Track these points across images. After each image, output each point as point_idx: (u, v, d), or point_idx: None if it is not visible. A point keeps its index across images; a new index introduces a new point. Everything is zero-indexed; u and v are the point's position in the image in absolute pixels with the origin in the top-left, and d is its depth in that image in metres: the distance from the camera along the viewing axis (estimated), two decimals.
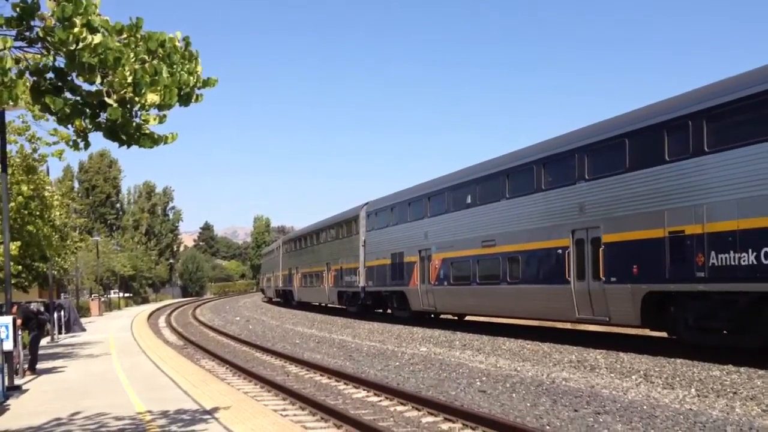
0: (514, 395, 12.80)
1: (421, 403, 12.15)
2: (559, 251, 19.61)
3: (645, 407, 11.13)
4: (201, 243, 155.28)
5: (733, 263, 14.23)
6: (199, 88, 6.79)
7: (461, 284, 25.39)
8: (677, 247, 15.64)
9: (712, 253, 14.69)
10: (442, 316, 30.82)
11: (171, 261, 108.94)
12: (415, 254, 29.10)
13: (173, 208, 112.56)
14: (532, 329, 24.10)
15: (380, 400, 13.10)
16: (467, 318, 29.89)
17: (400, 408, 12.27)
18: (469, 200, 25.06)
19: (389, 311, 34.25)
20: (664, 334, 18.25)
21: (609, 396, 12.17)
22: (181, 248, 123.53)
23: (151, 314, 51.77)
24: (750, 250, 13.83)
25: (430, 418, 11.26)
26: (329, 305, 43.56)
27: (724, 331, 15.28)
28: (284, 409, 12.64)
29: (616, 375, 14.25)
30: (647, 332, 20.31)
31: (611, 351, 17.33)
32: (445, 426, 10.69)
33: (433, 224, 27.84)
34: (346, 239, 38.59)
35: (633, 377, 13.86)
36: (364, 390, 14.19)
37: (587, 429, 9.96)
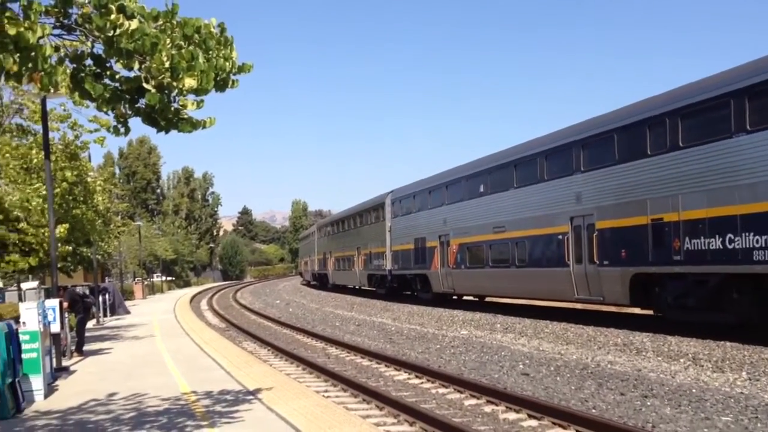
0: (558, 378, 12.64)
1: (463, 385, 12.07)
2: (560, 237, 21.31)
3: (694, 391, 10.90)
4: (240, 227, 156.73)
5: (703, 247, 15.91)
6: (234, 74, 6.78)
7: (476, 267, 27.18)
8: (658, 233, 17.30)
9: (687, 239, 16.39)
10: (464, 297, 32.04)
11: (211, 245, 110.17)
12: (436, 239, 30.75)
13: (212, 193, 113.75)
14: (576, 313, 23.81)
15: (422, 383, 13.05)
16: (494, 300, 30.67)
17: (442, 390, 12.20)
18: (482, 189, 26.82)
19: (414, 293, 35.60)
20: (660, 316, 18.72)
21: (656, 379, 11.94)
22: (221, 232, 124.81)
23: (193, 297, 52.48)
24: (717, 236, 15.54)
25: (473, 401, 11.17)
26: (360, 287, 45.09)
27: (701, 309, 16.55)
28: (326, 391, 12.67)
29: (664, 358, 13.99)
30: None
31: (658, 334, 17.03)
32: (488, 408, 10.59)
33: (451, 211, 29.55)
34: (373, 225, 40.56)
35: (681, 360, 13.60)
36: (405, 372, 14.15)
37: (634, 412, 9.78)
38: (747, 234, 14.78)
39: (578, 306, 23.02)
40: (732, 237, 15.16)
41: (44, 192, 16.93)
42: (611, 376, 12.47)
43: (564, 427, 9.11)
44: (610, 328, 18.77)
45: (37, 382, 11.46)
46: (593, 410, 10.00)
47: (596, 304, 21.80)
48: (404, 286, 36.74)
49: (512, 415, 10.03)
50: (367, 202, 44.10)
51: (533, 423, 9.54)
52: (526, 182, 23.54)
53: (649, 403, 10.27)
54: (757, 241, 14.51)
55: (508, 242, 24.47)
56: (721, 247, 15.42)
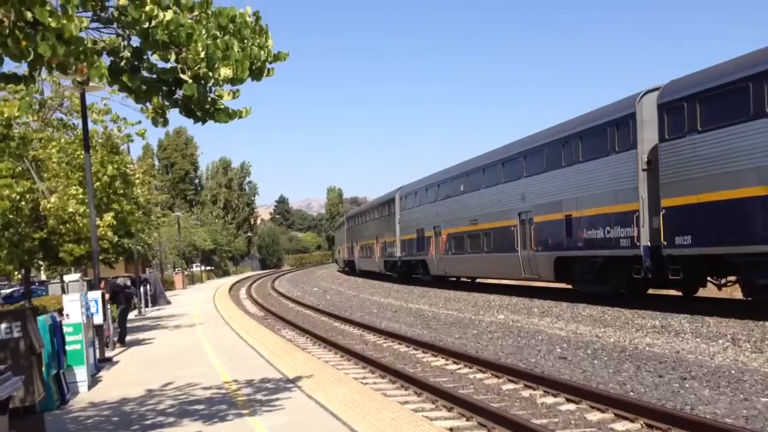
0: (595, 362, 12.62)
1: (500, 370, 12.11)
2: (512, 229, 26.66)
3: (733, 371, 10.81)
4: (277, 216, 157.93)
5: (593, 237, 21.25)
6: (270, 62, 6.82)
7: (459, 253, 32.66)
8: (569, 226, 22.63)
9: (583, 231, 21.78)
10: (461, 279, 36.94)
11: (249, 234, 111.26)
12: (431, 230, 36.13)
13: (249, 182, 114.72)
14: (613, 296, 23.62)
15: (459, 368, 13.11)
16: (489, 282, 34.97)
17: (479, 375, 12.25)
18: (462, 188, 32.50)
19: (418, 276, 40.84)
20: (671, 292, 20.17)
21: (695, 361, 11.86)
22: (258, 221, 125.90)
23: (232, 286, 53.12)
24: (600, 228, 20.85)
25: (511, 386, 11.21)
26: (379, 272, 49.00)
27: (594, 283, 22.27)
28: (364, 377, 12.80)
29: (702, 339, 13.86)
30: (733, 295, 19.91)
31: (696, 315, 16.86)
32: (525, 393, 10.63)
33: (443, 206, 34.95)
34: (387, 217, 45.95)
35: (720, 341, 13.46)
36: (442, 358, 14.23)
37: (673, 394, 9.74)
38: (614, 227, 20.11)
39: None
40: (609, 229, 20.39)
41: (81, 196, 17.32)
42: (649, 358, 12.41)
43: (602, 411, 9.11)
44: (648, 310, 18.62)
45: (81, 374, 11.72)
46: (631, 393, 9.98)
47: (534, 282, 27.52)
48: (411, 270, 41.49)
49: (550, 399, 10.06)
50: (382, 197, 50.57)
51: (571, 407, 9.56)
52: (491, 184, 29.20)
53: (687, 385, 10.22)
54: (621, 233, 19.77)
55: (480, 233, 29.89)
56: (603, 236, 20.75)
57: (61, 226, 17.78)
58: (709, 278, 18.80)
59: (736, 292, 19.51)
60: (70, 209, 17.16)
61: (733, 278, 18.10)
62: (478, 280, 35.80)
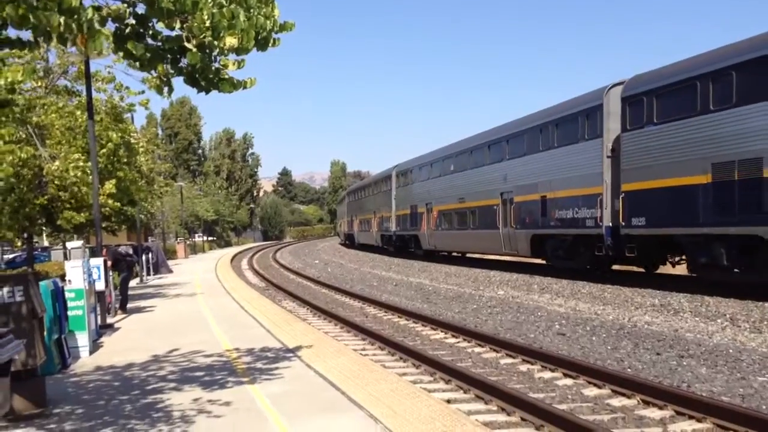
0: (594, 338, 12.69)
1: (499, 344, 12.19)
2: (495, 207, 28.53)
3: (731, 351, 10.88)
4: (279, 188, 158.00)
5: (564, 217, 23.24)
6: (276, 33, 6.77)
7: (448, 229, 34.61)
8: (544, 207, 24.56)
9: (556, 211, 23.74)
10: (453, 254, 38.98)
11: (251, 206, 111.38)
12: (424, 206, 38.06)
13: (252, 154, 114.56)
14: (614, 274, 23.70)
15: (458, 342, 13.20)
16: (476, 256, 36.65)
17: (478, 349, 12.34)
18: (452, 168, 34.39)
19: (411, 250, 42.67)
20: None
21: (693, 339, 11.92)
22: (261, 193, 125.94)
23: (233, 257, 53.29)
24: (570, 209, 22.83)
25: (509, 360, 11.29)
26: (376, 245, 51.05)
27: (565, 258, 24.21)
28: (364, 349, 12.90)
29: (701, 319, 13.93)
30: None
31: (696, 295, 16.93)
32: (523, 368, 10.71)
33: (434, 185, 36.78)
34: (383, 193, 47.86)
35: (718, 321, 13.53)
36: (441, 331, 14.31)
37: (670, 372, 9.81)
38: (582, 208, 22.06)
39: (616, 267, 23.46)
40: (577, 210, 22.34)
41: (82, 164, 17.29)
42: (648, 336, 12.48)
43: (599, 387, 9.19)
44: (648, 288, 18.70)
45: (82, 339, 11.82)
46: (629, 370, 10.06)
47: (513, 257, 29.67)
48: (405, 245, 43.35)
49: (547, 374, 10.14)
50: (379, 174, 53.18)
51: (568, 382, 9.64)
52: (477, 165, 31.00)
53: (685, 363, 10.28)
54: (587, 213, 21.74)
55: (467, 210, 31.79)
56: (572, 216, 22.73)
57: (61, 193, 17.75)
58: (669, 257, 20.56)
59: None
60: (71, 175, 17.10)
61: (683, 257, 19.76)
62: (476, 256, 36.50)
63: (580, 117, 22.51)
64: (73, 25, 5.72)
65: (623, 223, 19.73)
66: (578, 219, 22.30)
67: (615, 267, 23.77)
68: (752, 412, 7.39)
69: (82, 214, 18.21)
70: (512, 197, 26.92)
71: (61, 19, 5.54)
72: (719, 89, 16.59)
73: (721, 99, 16.54)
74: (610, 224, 20.62)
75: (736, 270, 16.87)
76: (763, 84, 15.36)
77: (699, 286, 18.10)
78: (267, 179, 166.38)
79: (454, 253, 38.36)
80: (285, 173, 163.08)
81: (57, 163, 17.07)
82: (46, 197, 17.94)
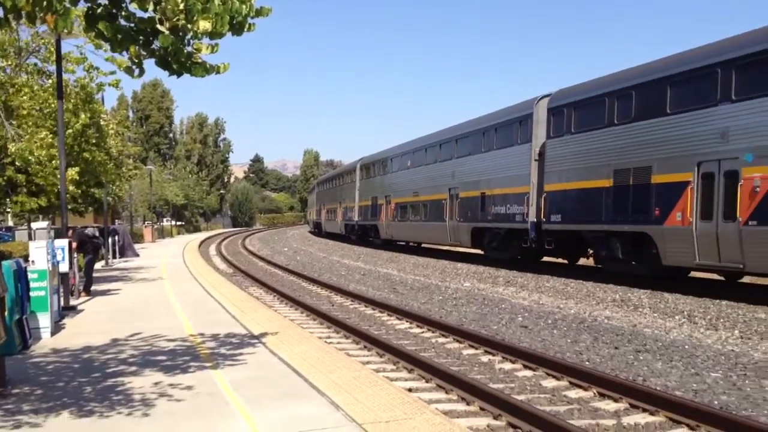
0: (555, 331, 12.91)
1: (462, 335, 12.35)
2: (443, 202, 31.39)
3: (686, 347, 11.15)
4: (251, 175, 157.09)
5: (498, 212, 26.26)
6: (252, 17, 6.75)
7: (404, 221, 37.36)
8: (483, 202, 27.47)
9: (492, 207, 26.63)
10: (410, 244, 41.76)
11: (221, 191, 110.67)
12: (383, 199, 40.79)
13: (224, 139, 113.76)
14: (577, 269, 24.07)
15: (422, 332, 13.34)
16: (431, 246, 38.85)
17: (441, 340, 12.49)
18: (409, 164, 37.22)
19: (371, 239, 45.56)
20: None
21: (651, 335, 12.19)
22: (232, 179, 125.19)
23: (201, 242, 52.97)
24: (503, 206, 25.82)
25: (471, 351, 11.45)
26: (341, 234, 53.54)
27: (499, 250, 27.24)
28: (329, 337, 12.97)
29: (660, 315, 14.23)
30: (694, 274, 20.42)
31: (656, 291, 17.29)
32: (485, 358, 10.87)
33: (393, 178, 39.91)
34: (348, 184, 50.48)
35: (676, 317, 13.84)
36: (407, 321, 14.44)
37: (627, 366, 10.04)
38: (513, 205, 24.91)
39: (581, 262, 24.13)
40: (509, 206, 25.22)
41: (50, 141, 17.02)
42: (607, 330, 12.74)
43: (557, 378, 9.38)
44: (609, 284, 19.05)
45: (44, 320, 11.70)
46: (587, 363, 10.27)
47: (457, 247, 32.52)
48: (366, 234, 45.99)
49: (508, 365, 10.32)
50: (346, 166, 57.40)
51: (528, 373, 9.81)
52: (431, 162, 33.79)
53: (641, 358, 10.52)
54: (517, 210, 24.58)
55: (420, 204, 34.56)
56: (504, 212, 25.65)
57: (18, 175, 17.34)
58: (590, 249, 22.96)
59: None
60: (35, 154, 16.76)
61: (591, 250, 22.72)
62: (445, 248, 37.01)
63: (514, 123, 25.46)
64: (44, 3, 5.67)
65: (544, 220, 22.67)
66: (510, 214, 25.30)
67: (545, 259, 26.57)
68: (703, 406, 7.61)
69: (40, 199, 17.85)
70: (458, 193, 29.77)
71: None
72: (622, 106, 19.29)
73: (623, 114, 19.25)
74: (535, 220, 23.45)
75: (633, 262, 19.51)
76: (656, 102, 18.02)
77: (660, 284, 18.47)
78: (239, 165, 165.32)
79: (411, 243, 41.03)
80: (257, 160, 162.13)
81: (22, 143, 16.78)
82: (3, 178, 17.59)
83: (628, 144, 18.99)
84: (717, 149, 16.17)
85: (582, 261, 25.00)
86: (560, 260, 25.88)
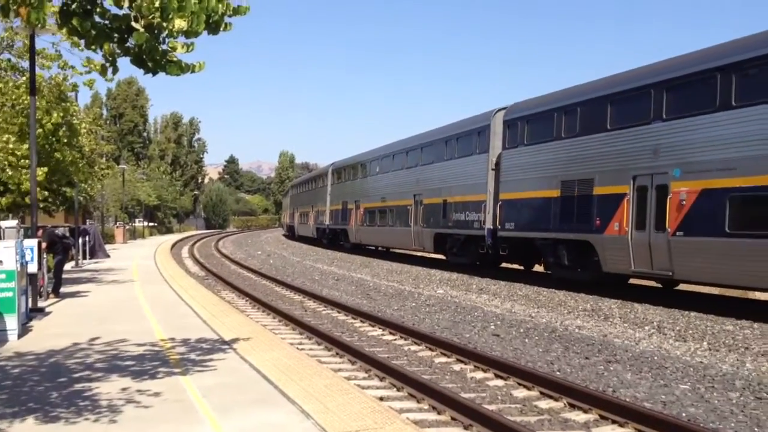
0: (527, 340, 12.95)
1: (434, 343, 12.34)
2: (408, 208, 32.39)
3: (656, 358, 11.24)
4: (225, 176, 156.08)
5: (458, 219, 27.28)
6: (229, 16, 6.69)
7: (372, 225, 38.05)
8: (444, 209, 28.52)
9: (453, 213, 27.72)
10: (379, 249, 42.44)
11: (195, 192, 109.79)
12: (353, 203, 41.63)
13: (199, 139, 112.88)
14: (548, 278, 24.21)
15: (395, 339, 13.32)
16: (411, 253, 38.44)
17: (414, 348, 12.47)
18: (377, 170, 38.36)
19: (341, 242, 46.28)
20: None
21: (621, 345, 12.28)
22: (206, 180, 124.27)
23: (174, 244, 52.51)
24: (463, 213, 26.92)
25: (443, 359, 11.45)
26: (312, 237, 54.20)
27: (459, 255, 28.48)
28: (301, 343, 12.90)
29: (630, 325, 14.34)
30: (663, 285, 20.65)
31: (627, 301, 17.43)
32: (456, 367, 10.87)
33: (363, 184, 40.96)
34: (321, 188, 51.33)
35: (646, 328, 13.95)
36: (380, 328, 14.41)
37: (597, 376, 10.09)
38: (471, 213, 26.04)
39: (505, 265, 26.19)
40: (468, 214, 26.25)
41: (12, 146, 16.68)
42: (578, 340, 12.81)
43: (528, 388, 9.40)
44: (581, 293, 19.18)
45: (11, 322, 11.49)
46: (558, 373, 10.31)
47: (421, 251, 33.46)
48: (337, 237, 46.44)
49: (479, 374, 10.33)
50: (319, 170, 59.18)
51: (499, 383, 9.83)
52: (398, 168, 34.89)
53: (611, 368, 10.59)
54: (475, 217, 25.72)
55: (387, 209, 35.56)
56: (463, 219, 26.76)
57: None
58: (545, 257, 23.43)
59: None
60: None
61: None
62: (419, 254, 37.23)
63: (474, 134, 26.75)
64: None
65: (500, 227, 23.96)
66: (468, 221, 26.46)
67: (504, 265, 27.47)
68: (671, 418, 7.67)
69: (6, 197, 17.51)
70: (422, 200, 30.95)
71: None
72: (569, 121, 20.69)
73: (569, 129, 20.61)
74: (491, 227, 24.64)
75: (578, 269, 20.60)
76: (598, 118, 19.37)
77: (630, 294, 18.64)
78: (213, 166, 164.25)
79: (380, 248, 41.74)
80: (232, 161, 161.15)
81: None
82: None
83: (574, 157, 20.35)
84: (650, 164, 17.36)
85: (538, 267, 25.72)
86: (516, 266, 26.83)
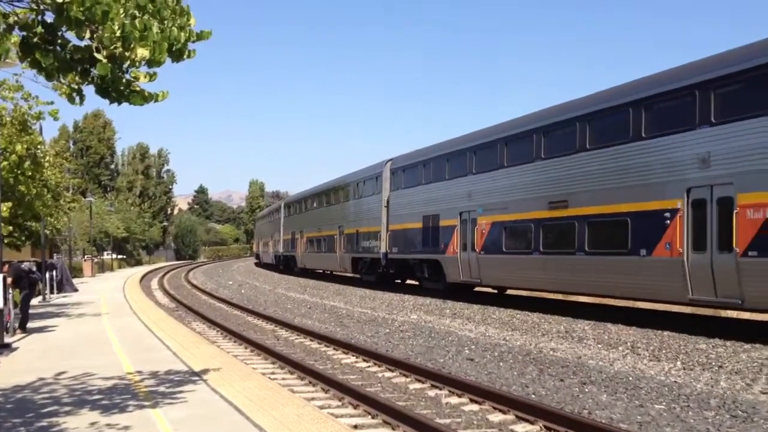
0: (501, 364, 12.89)
1: (409, 369, 12.23)
2: (335, 237, 38.78)
3: (630, 378, 11.23)
4: (195, 206, 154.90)
5: (365, 245, 33.87)
6: (192, 42, 6.66)
7: (312, 252, 44.16)
8: (357, 238, 34.91)
9: (362, 241, 34.19)
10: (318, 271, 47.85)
11: (165, 224, 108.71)
12: (299, 233, 47.89)
13: (168, 170, 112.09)
14: (522, 300, 24.24)
15: (369, 366, 13.18)
16: (403, 282, 38.52)
17: (388, 374, 12.35)
18: (314, 205, 44.78)
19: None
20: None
21: (595, 366, 12.27)
22: (175, 211, 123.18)
23: (143, 276, 51.83)
24: (368, 240, 33.28)
25: (418, 385, 11.34)
26: (272, 263, 59.99)
27: (369, 273, 34.72)
28: (273, 373, 12.71)
29: (604, 346, 14.35)
30: (637, 304, 20.78)
31: (600, 322, 17.46)
32: (431, 392, 10.77)
33: (305, 217, 46.90)
34: (276, 221, 57.37)
35: (620, 348, 13.97)
36: (353, 356, 14.27)
37: (572, 398, 10.05)
38: (373, 240, 32.67)
39: (524, 293, 24.65)
40: (371, 241, 32.86)
41: None
42: (552, 362, 12.77)
43: (504, 412, 9.32)
44: (555, 315, 19.19)
45: None
46: (533, 396, 10.25)
47: (343, 273, 39.87)
48: (289, 263, 52.38)
49: (455, 399, 10.23)
50: (274, 205, 67.68)
51: (474, 407, 9.74)
52: (328, 204, 41.51)
53: (587, 390, 10.56)
54: (375, 244, 32.39)
55: (321, 238, 41.75)
56: (368, 245, 33.36)
57: None
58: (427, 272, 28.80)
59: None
60: None
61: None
62: (415, 282, 37.43)
63: (372, 179, 33.55)
64: None
65: (389, 251, 30.87)
66: (371, 247, 32.99)
67: (397, 281, 33.67)
68: None
69: None
70: (344, 230, 37.22)
71: None
72: (426, 172, 27.87)
73: (426, 177, 27.81)
74: (385, 251, 31.22)
75: (437, 280, 27.08)
76: (441, 171, 26.39)
77: (604, 315, 18.70)
78: (183, 197, 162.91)
79: (319, 270, 46.95)
80: (201, 191, 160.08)
81: None
82: None
83: (429, 198, 27.32)
84: (465, 204, 24.36)
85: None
86: (411, 281, 32.37)
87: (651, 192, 16.46)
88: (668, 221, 15.88)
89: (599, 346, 14.42)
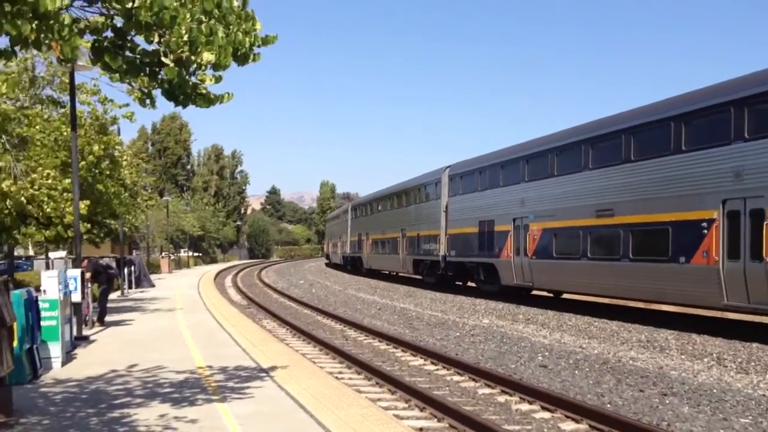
0: (576, 372, 12.45)
1: (478, 374, 11.94)
2: (398, 239, 40.17)
3: (715, 391, 10.67)
4: (268, 206, 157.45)
5: (426, 248, 34.78)
6: (258, 47, 6.68)
7: (377, 253, 45.72)
8: (419, 241, 36.06)
9: (423, 244, 35.29)
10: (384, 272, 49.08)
11: (238, 223, 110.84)
12: (365, 235, 49.40)
13: (241, 171, 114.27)
14: (602, 307, 23.54)
15: (437, 369, 12.95)
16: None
17: (456, 378, 12.08)
18: (379, 208, 46.57)
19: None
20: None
21: (677, 378, 11.71)
22: (248, 211, 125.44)
23: (218, 274, 52.85)
24: (429, 243, 34.35)
25: (487, 390, 11.05)
26: (341, 264, 60.78)
27: (431, 276, 35.68)
28: (340, 372, 12.63)
29: (687, 357, 13.72)
30: (723, 314, 19.97)
31: (684, 332, 16.74)
32: (501, 398, 10.47)
33: (370, 219, 48.86)
34: (344, 222, 59.03)
35: (705, 360, 13.33)
36: (421, 358, 14.05)
37: (651, 410, 9.58)
38: (432, 243, 33.79)
39: (604, 300, 23.91)
40: (431, 244, 33.94)
41: (51, 181, 16.76)
42: (631, 372, 12.26)
43: (577, 422, 8.96)
44: (635, 324, 18.49)
45: (55, 350, 11.55)
46: (608, 405, 9.82)
47: (405, 274, 41.42)
48: (356, 264, 53.76)
49: (525, 406, 9.90)
50: (343, 207, 70.25)
51: (546, 415, 9.40)
52: (391, 208, 43.15)
53: (667, 401, 10.06)
54: (434, 247, 33.47)
55: (386, 240, 43.16)
56: (428, 248, 34.44)
57: (30, 207, 16.84)
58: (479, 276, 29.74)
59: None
60: (38, 191, 16.33)
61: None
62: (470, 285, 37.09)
63: (432, 185, 34.86)
64: (50, 34, 5.57)
65: (448, 254, 31.66)
66: (431, 250, 34.07)
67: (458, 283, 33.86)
68: None
69: (50, 230, 17.47)
70: (406, 233, 38.45)
71: (34, 25, 5.41)
72: (482, 179, 28.64)
73: (482, 184, 28.50)
74: (444, 254, 32.06)
75: (492, 283, 27.70)
76: (496, 179, 27.22)
77: (689, 325, 17.96)
78: (255, 197, 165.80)
79: (384, 271, 47.60)
80: (274, 192, 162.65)
81: (8, 182, 16.12)
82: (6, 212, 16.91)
83: (484, 204, 28.11)
84: (518, 211, 25.13)
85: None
86: (470, 284, 32.59)
87: (690, 202, 17.07)
88: (705, 231, 16.45)
89: (683, 356, 13.79)
